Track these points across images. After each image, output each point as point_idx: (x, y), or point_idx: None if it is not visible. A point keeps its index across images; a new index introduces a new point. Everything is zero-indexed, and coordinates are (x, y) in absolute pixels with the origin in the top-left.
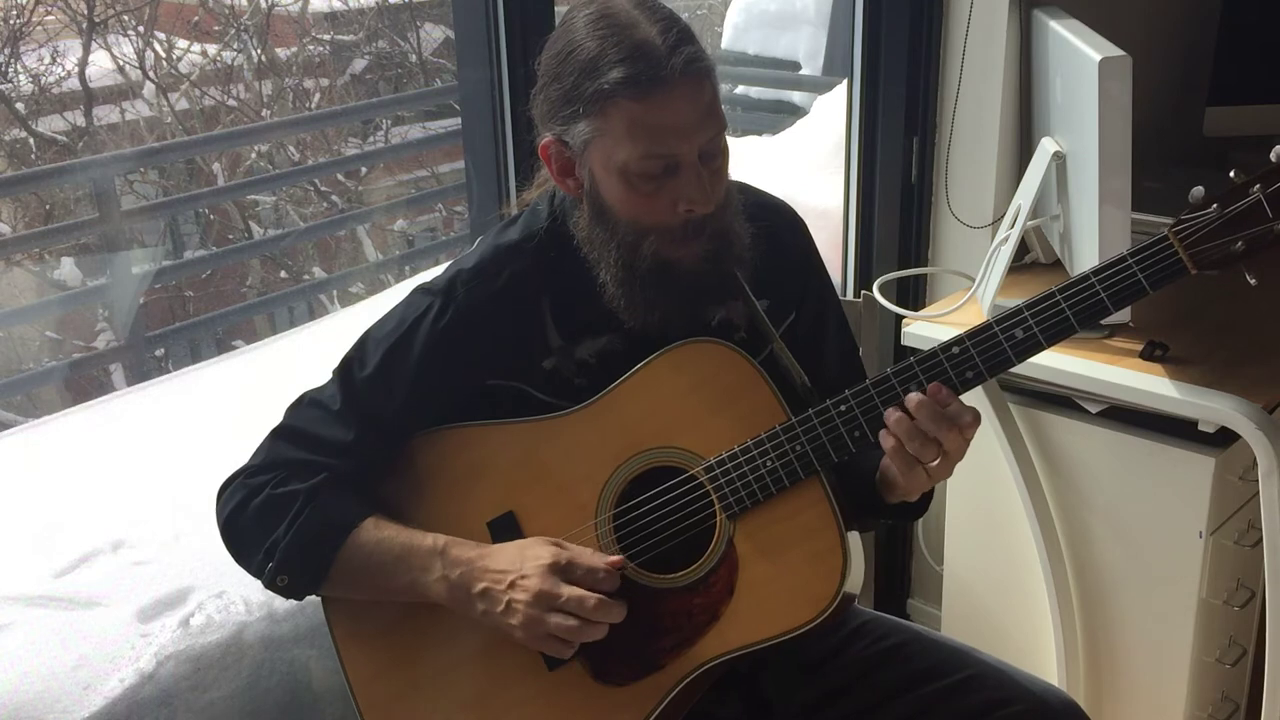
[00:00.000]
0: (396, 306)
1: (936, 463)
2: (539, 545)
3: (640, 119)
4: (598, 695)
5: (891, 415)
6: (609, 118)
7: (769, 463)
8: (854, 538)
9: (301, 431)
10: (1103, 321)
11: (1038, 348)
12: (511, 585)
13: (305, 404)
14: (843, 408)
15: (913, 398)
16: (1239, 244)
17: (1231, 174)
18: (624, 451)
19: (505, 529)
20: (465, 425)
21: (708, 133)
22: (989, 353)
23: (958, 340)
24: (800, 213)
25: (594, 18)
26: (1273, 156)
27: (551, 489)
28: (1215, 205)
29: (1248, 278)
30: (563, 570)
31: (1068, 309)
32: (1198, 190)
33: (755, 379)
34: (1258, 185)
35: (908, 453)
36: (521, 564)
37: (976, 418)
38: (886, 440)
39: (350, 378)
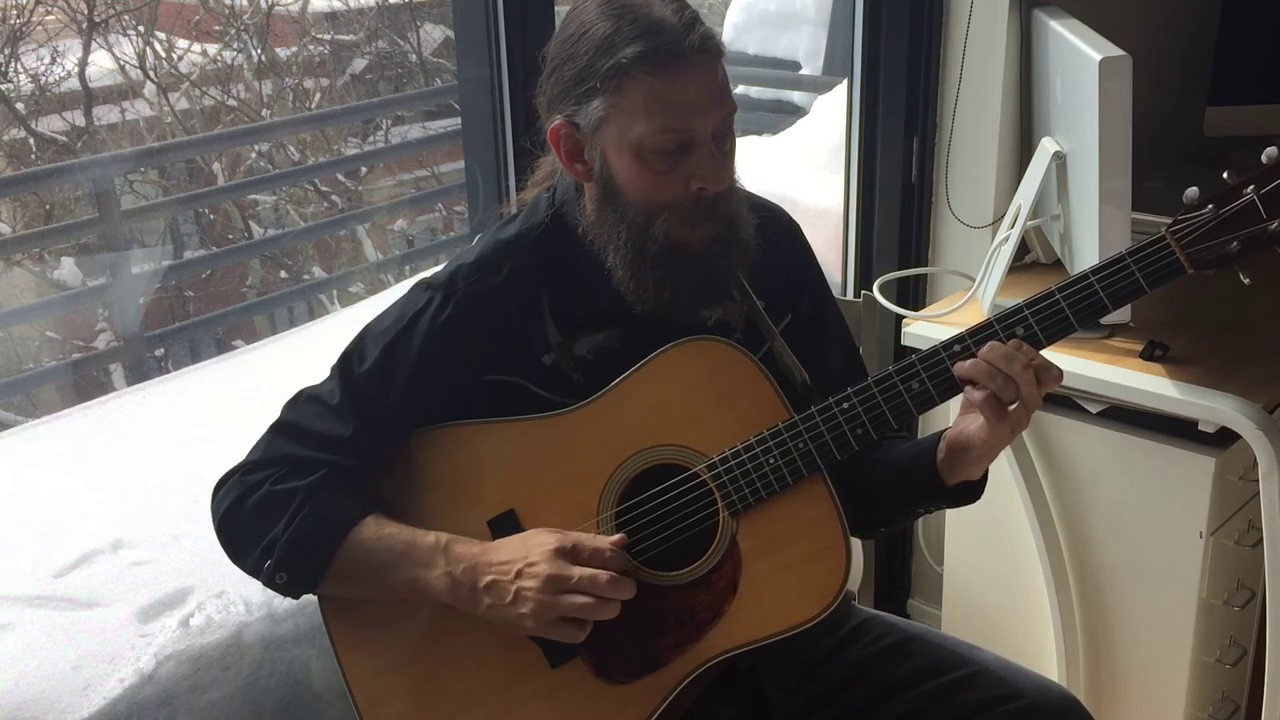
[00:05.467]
0: (397, 302)
1: (1015, 407)
2: (541, 533)
3: (658, 94)
4: (600, 693)
5: (964, 364)
6: (625, 94)
7: (772, 460)
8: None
9: (300, 427)
10: (1103, 321)
11: (1038, 346)
12: (519, 574)
13: (303, 400)
14: (845, 405)
15: (995, 345)
16: (1234, 244)
17: (1225, 175)
18: (625, 449)
19: (506, 527)
20: (465, 423)
21: (721, 111)
22: None
23: (959, 338)
24: (800, 212)
25: (606, 1)
26: (1264, 158)
27: (553, 487)
28: (1210, 206)
29: (1242, 277)
30: (569, 553)
31: (1067, 308)
32: (1192, 191)
33: (756, 376)
34: (1251, 186)
35: (991, 394)
36: (526, 552)
37: (1060, 374)
38: (971, 392)
39: (349, 372)
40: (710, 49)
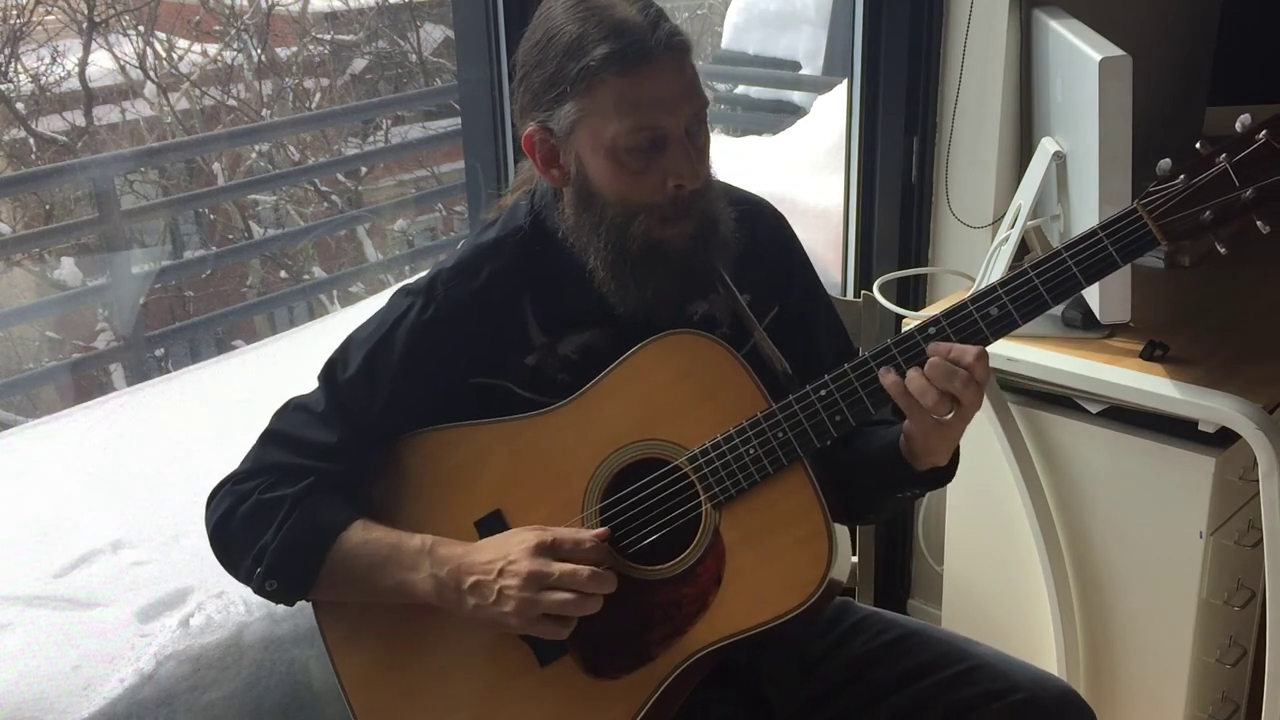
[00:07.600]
0: (379, 310)
1: (952, 415)
2: (522, 531)
3: (627, 93)
4: (590, 689)
5: (905, 376)
6: (595, 96)
7: (751, 450)
8: (838, 525)
9: (287, 435)
10: (1103, 321)
11: (1013, 325)
12: (500, 573)
13: (291, 409)
14: (822, 392)
15: (934, 364)
16: (1207, 213)
17: (1198, 145)
18: (608, 445)
19: (493, 528)
20: (449, 426)
21: (692, 107)
22: (965, 331)
23: (934, 320)
24: (800, 213)
25: (572, 3)
26: (1237, 126)
27: (538, 486)
28: (1182, 176)
29: (1218, 247)
30: (549, 549)
31: (1040, 285)
32: (1164, 162)
33: (735, 369)
34: (1224, 155)
35: (924, 408)
36: (508, 551)
37: (981, 354)
38: (903, 399)
39: (333, 379)
40: (676, 45)
